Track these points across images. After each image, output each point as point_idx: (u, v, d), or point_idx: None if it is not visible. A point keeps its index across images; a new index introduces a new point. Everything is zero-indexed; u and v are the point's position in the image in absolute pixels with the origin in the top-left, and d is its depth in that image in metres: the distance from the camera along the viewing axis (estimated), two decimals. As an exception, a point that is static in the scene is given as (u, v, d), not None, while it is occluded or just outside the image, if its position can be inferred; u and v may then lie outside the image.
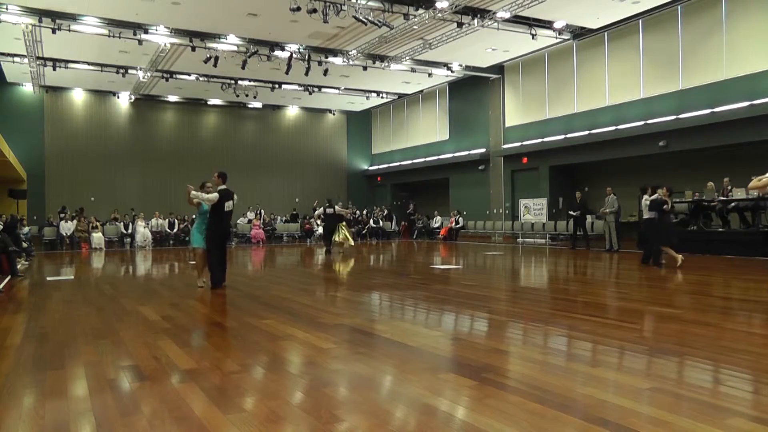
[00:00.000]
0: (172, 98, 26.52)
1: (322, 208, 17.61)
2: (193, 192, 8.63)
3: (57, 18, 15.82)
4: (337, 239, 16.88)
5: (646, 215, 11.40)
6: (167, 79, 22.57)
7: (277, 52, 19.23)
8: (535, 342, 5.03)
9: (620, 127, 17.73)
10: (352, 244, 17.70)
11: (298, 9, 14.03)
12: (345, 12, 14.88)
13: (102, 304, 7.46)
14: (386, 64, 20.98)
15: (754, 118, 14.34)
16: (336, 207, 17.36)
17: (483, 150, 23.41)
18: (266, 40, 18.77)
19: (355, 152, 31.24)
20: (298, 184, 29.21)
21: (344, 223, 17.57)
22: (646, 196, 11.61)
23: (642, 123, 17.11)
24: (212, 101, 27.17)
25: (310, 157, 29.68)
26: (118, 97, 25.77)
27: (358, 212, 27.00)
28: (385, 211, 27.64)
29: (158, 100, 26.49)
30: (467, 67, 22.02)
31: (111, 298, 8.14)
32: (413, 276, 10.78)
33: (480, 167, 23.81)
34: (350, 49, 19.76)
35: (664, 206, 10.84)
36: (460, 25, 16.72)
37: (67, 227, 20.89)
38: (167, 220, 22.88)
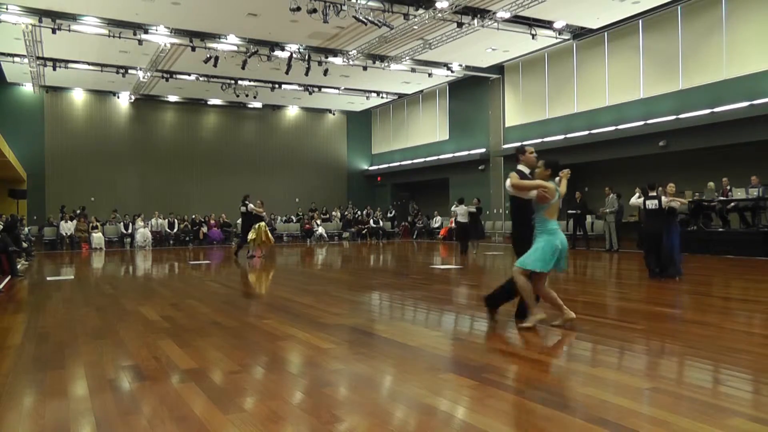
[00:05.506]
0: (172, 98, 26.50)
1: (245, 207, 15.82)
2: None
3: (57, 18, 15.81)
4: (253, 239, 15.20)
5: (460, 219, 15.60)
6: (167, 79, 22.56)
7: (277, 52, 19.21)
8: (536, 342, 5.03)
9: (620, 127, 17.72)
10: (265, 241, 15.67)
11: (298, 9, 14.03)
12: (345, 12, 14.88)
13: (102, 304, 7.45)
14: (386, 64, 20.97)
15: (754, 118, 14.34)
16: (249, 205, 15.40)
17: (483, 150, 23.40)
18: (266, 40, 18.76)
19: (355, 152, 31.22)
20: (298, 184, 29.20)
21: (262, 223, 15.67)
22: (462, 206, 15.65)
23: (642, 123, 17.10)
24: (212, 101, 27.15)
25: (310, 157, 29.66)
26: (118, 97, 25.76)
27: (358, 212, 26.99)
28: (392, 212, 27.61)
29: (158, 100, 26.47)
30: (467, 67, 22.01)
31: (111, 298, 8.14)
32: (413, 276, 10.77)
33: (480, 167, 23.80)
34: (350, 49, 19.75)
35: (476, 212, 15.55)
36: (460, 25, 16.72)
37: (67, 227, 20.89)
38: (167, 220, 22.88)
